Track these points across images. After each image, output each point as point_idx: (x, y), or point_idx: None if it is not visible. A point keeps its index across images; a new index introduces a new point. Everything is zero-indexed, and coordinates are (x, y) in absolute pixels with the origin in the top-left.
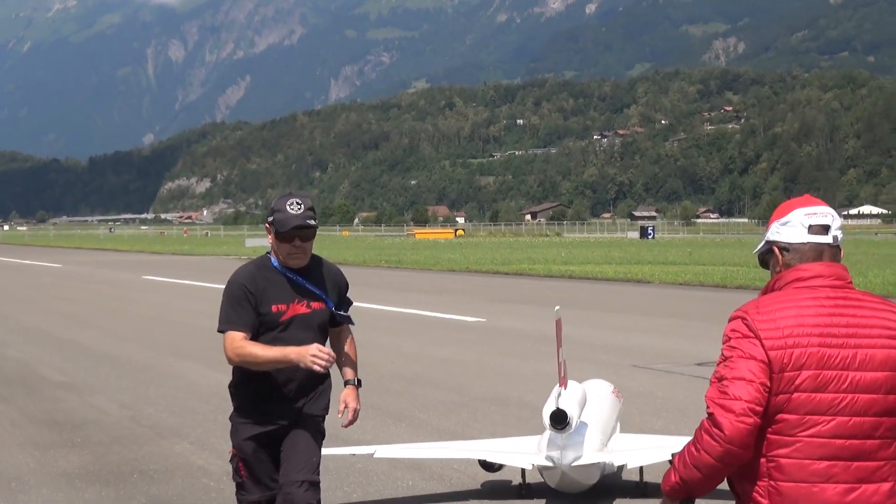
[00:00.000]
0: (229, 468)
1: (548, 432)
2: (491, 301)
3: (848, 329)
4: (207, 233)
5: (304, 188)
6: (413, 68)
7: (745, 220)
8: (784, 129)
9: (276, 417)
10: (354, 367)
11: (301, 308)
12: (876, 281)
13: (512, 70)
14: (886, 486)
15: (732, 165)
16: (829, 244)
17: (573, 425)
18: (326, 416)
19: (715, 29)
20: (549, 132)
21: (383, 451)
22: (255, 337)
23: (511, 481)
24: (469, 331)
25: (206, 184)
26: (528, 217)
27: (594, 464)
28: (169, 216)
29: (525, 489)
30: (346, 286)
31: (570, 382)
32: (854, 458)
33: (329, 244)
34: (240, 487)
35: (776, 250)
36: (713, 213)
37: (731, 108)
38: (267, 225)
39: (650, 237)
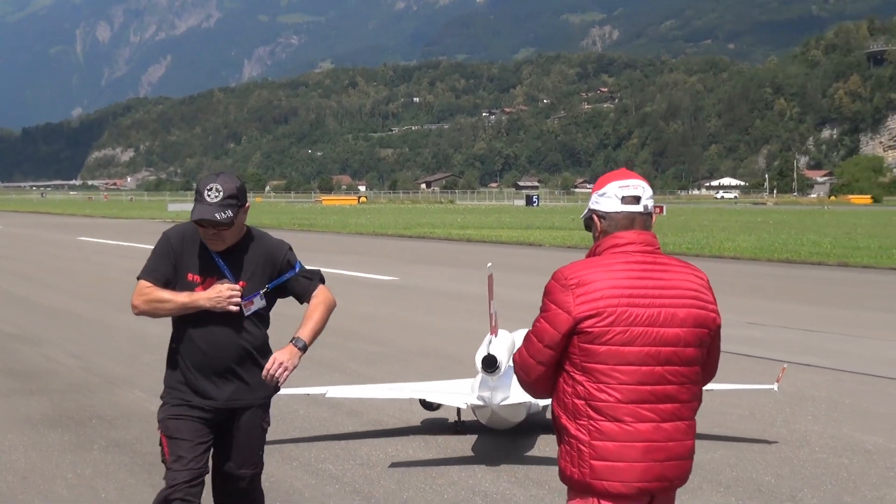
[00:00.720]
0: None
1: (480, 375)
2: (401, 261)
3: (655, 290)
4: (132, 198)
5: (220, 158)
6: (320, 50)
7: None
8: (653, 108)
9: (208, 397)
10: (308, 329)
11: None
12: (745, 245)
13: (409, 53)
14: (685, 424)
15: (607, 141)
16: (640, 213)
17: (502, 369)
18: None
19: (592, 17)
20: (443, 109)
21: (335, 392)
22: None
23: (447, 419)
24: (385, 288)
25: (130, 153)
26: (424, 186)
27: (521, 403)
28: (96, 183)
29: (459, 426)
30: (285, 260)
31: (501, 331)
32: (659, 401)
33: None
34: (167, 470)
35: (595, 218)
36: (590, 183)
37: (606, 90)
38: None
39: (535, 205)
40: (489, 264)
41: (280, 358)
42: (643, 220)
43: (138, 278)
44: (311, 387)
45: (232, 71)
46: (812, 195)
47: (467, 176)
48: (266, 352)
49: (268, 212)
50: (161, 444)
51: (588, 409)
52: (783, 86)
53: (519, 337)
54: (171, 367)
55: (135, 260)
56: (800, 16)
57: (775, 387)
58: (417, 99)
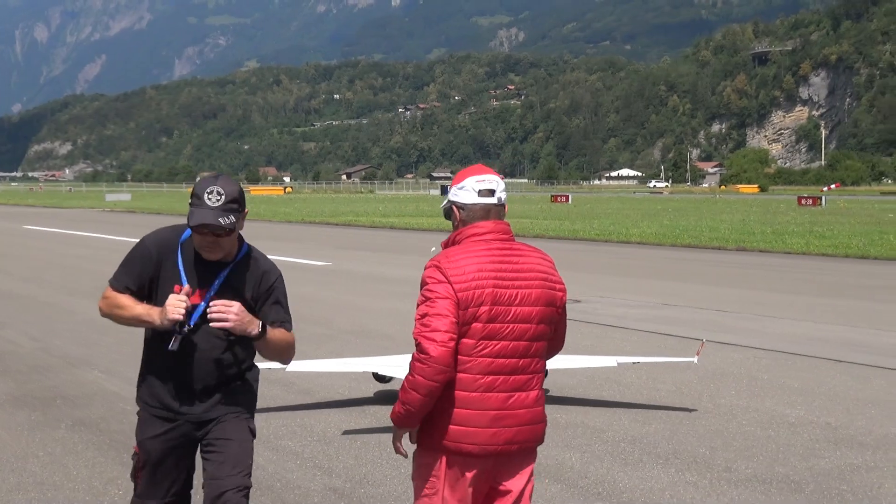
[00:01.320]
0: None
1: None
2: (331, 247)
3: (513, 273)
4: (71, 189)
5: (153, 151)
6: (246, 50)
7: (526, 180)
8: (557, 104)
9: (184, 411)
10: (276, 331)
11: (196, 299)
12: (650, 231)
13: (330, 53)
14: (534, 393)
15: (514, 135)
16: (494, 204)
17: None
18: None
19: (500, 20)
20: (361, 105)
21: (293, 366)
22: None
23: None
24: (320, 273)
25: (68, 147)
26: (345, 177)
27: None
28: (36, 174)
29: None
30: (273, 291)
31: None
32: (511, 373)
33: (178, 199)
34: (135, 490)
35: (455, 209)
36: (499, 174)
37: (513, 87)
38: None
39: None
40: (434, 249)
41: (236, 307)
42: (497, 211)
43: (109, 282)
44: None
45: (163, 70)
46: (704, 185)
47: (385, 168)
48: (252, 367)
49: None
50: (136, 463)
51: (450, 381)
52: (676, 84)
53: None
54: (143, 379)
55: (77, 247)
56: (690, 19)
57: (695, 359)
58: (338, 96)
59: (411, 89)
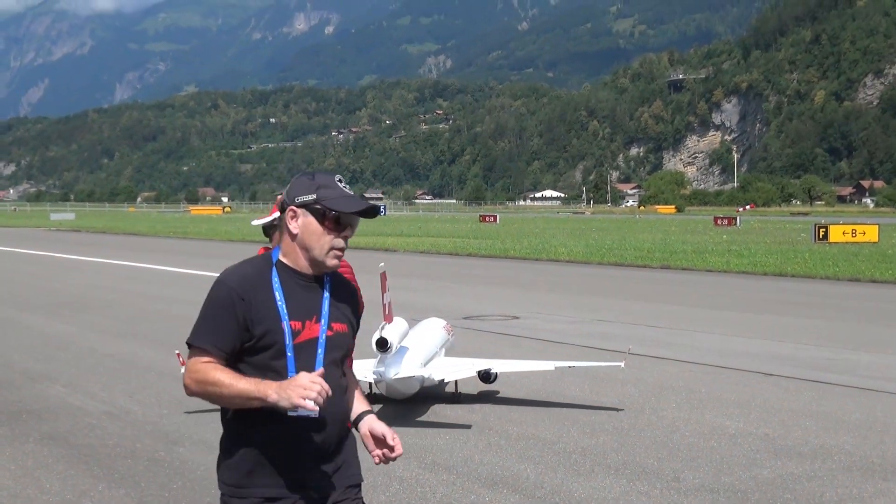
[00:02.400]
0: (106, 407)
1: (378, 355)
2: None
3: None
4: (15, 208)
5: (95, 172)
6: (184, 75)
7: (454, 200)
8: (483, 128)
9: (303, 487)
10: (364, 395)
11: (316, 329)
12: (577, 249)
13: (266, 78)
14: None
15: (443, 157)
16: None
17: (394, 349)
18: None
19: (428, 48)
20: (296, 129)
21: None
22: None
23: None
24: None
25: (12, 168)
26: (280, 197)
27: (411, 377)
28: None
29: (372, 396)
30: (362, 306)
31: (397, 319)
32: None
33: (121, 218)
34: None
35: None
36: (428, 195)
37: (441, 112)
38: (293, 209)
39: (382, 214)
40: (381, 264)
41: (391, 431)
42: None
43: (190, 345)
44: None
45: (105, 93)
46: (624, 205)
47: None
48: None
49: (143, 221)
50: None
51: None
52: (596, 109)
53: (426, 324)
54: (235, 453)
55: (25, 264)
56: (608, 48)
57: (622, 364)
58: (273, 120)
59: (344, 113)
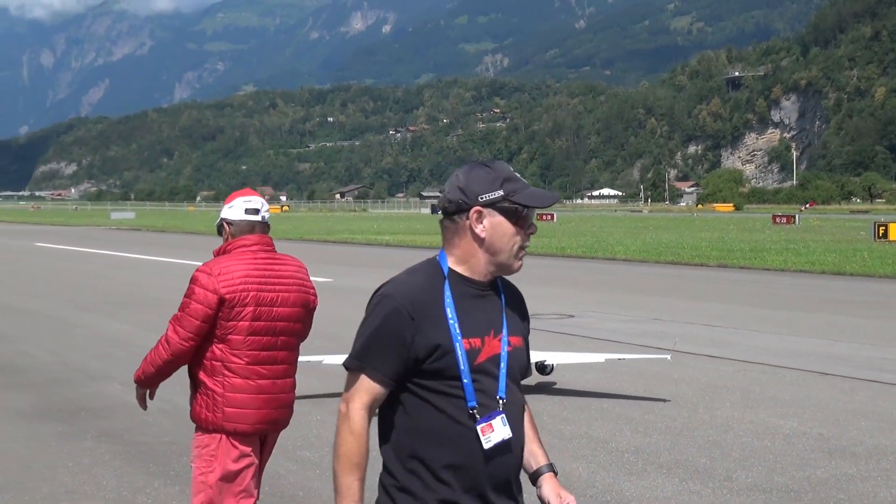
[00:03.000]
0: (162, 405)
1: None
2: (330, 264)
3: (274, 279)
4: (76, 207)
5: (154, 171)
6: (243, 75)
7: None
8: (540, 127)
9: None
10: (541, 443)
11: (496, 346)
12: (634, 248)
13: (323, 77)
14: (290, 381)
15: (500, 155)
16: (259, 221)
17: None
18: None
19: (485, 47)
20: (354, 128)
21: (331, 360)
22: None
23: None
24: (323, 289)
25: (74, 167)
26: (338, 196)
27: None
28: (42, 194)
29: None
30: (526, 314)
31: None
32: (274, 363)
33: (180, 217)
34: None
35: (225, 224)
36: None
37: (498, 111)
38: (479, 209)
39: (439, 212)
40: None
41: (570, 498)
42: (262, 227)
43: (349, 367)
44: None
45: (164, 93)
46: (682, 204)
47: (377, 187)
48: None
49: (201, 220)
50: None
51: (224, 369)
52: (653, 107)
53: None
54: (411, 486)
55: (86, 264)
56: (666, 45)
57: (668, 356)
58: (331, 119)
59: (401, 112)
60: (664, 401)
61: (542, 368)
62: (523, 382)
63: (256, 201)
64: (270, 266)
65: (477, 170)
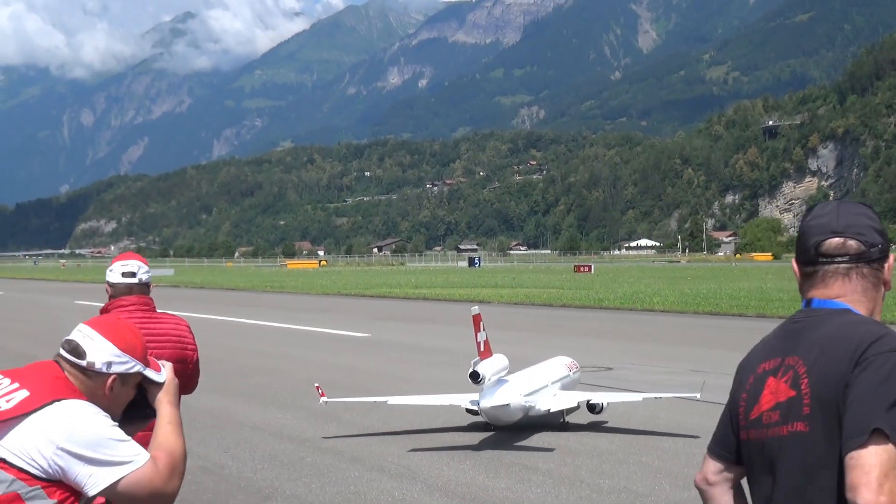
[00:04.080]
0: (201, 462)
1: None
2: (368, 318)
3: (150, 337)
4: None
5: (193, 228)
6: (280, 131)
7: (549, 251)
8: (577, 178)
9: None
10: None
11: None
12: (672, 298)
13: (360, 132)
14: None
15: (537, 207)
16: (136, 283)
17: (486, 381)
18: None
19: (521, 99)
20: (391, 182)
21: (394, 401)
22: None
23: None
24: (361, 344)
25: (113, 224)
26: (376, 250)
27: (506, 405)
28: (83, 251)
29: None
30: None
31: (496, 355)
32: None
33: (219, 273)
34: None
35: (107, 286)
36: (523, 245)
37: (535, 162)
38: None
39: (477, 266)
40: (474, 307)
41: None
42: (140, 288)
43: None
44: (373, 396)
45: (203, 150)
46: (720, 253)
47: (414, 241)
48: None
49: (240, 276)
50: None
51: None
52: (690, 157)
53: (552, 360)
54: None
55: None
56: (702, 94)
57: (698, 395)
58: (368, 173)
59: (438, 166)
60: (696, 437)
61: (592, 408)
62: (573, 420)
63: (133, 265)
64: (145, 325)
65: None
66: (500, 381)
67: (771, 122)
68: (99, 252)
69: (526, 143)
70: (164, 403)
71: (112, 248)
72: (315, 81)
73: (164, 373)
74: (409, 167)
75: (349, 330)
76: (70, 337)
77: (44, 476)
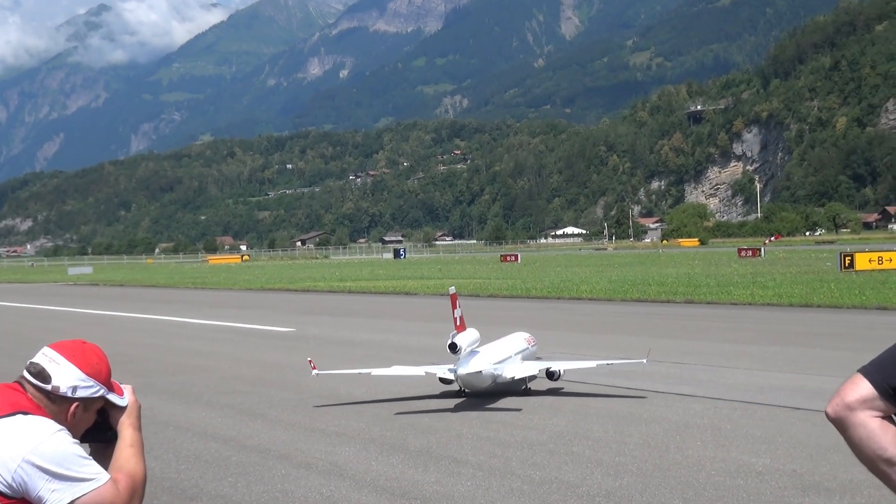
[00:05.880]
0: None
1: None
2: (293, 313)
3: None
4: (33, 264)
5: (112, 224)
6: (200, 124)
7: (475, 241)
8: (502, 167)
9: None
10: None
11: None
12: (600, 286)
13: (281, 124)
14: None
15: (462, 198)
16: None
17: (463, 352)
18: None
19: (444, 88)
20: (313, 174)
21: (377, 372)
22: None
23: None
24: (285, 339)
25: (29, 223)
26: (300, 243)
27: (479, 372)
28: None
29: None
30: None
31: (469, 329)
32: None
33: (139, 270)
34: None
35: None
36: (448, 236)
37: (459, 152)
38: None
39: (402, 257)
40: (451, 288)
41: None
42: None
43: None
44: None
45: (120, 145)
46: (647, 240)
47: (338, 233)
48: None
49: (160, 272)
50: None
51: None
52: (615, 144)
53: (510, 336)
54: None
55: (48, 321)
56: (626, 81)
57: (645, 360)
58: (290, 165)
59: (361, 157)
60: (642, 397)
61: (551, 375)
62: (534, 386)
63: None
64: None
65: None
66: (473, 352)
67: (695, 108)
68: (14, 251)
69: (450, 133)
70: (125, 426)
71: (28, 246)
72: (234, 73)
73: (126, 396)
74: (332, 159)
75: (274, 325)
76: (35, 360)
77: (8, 492)
